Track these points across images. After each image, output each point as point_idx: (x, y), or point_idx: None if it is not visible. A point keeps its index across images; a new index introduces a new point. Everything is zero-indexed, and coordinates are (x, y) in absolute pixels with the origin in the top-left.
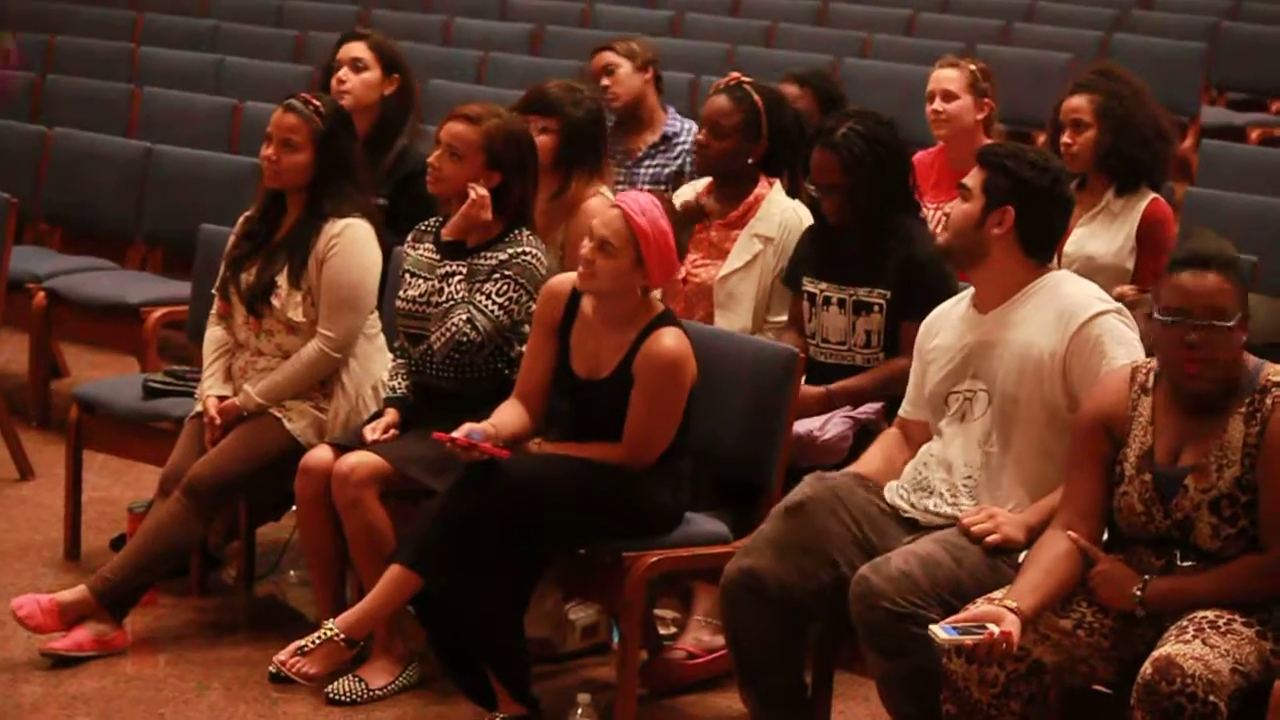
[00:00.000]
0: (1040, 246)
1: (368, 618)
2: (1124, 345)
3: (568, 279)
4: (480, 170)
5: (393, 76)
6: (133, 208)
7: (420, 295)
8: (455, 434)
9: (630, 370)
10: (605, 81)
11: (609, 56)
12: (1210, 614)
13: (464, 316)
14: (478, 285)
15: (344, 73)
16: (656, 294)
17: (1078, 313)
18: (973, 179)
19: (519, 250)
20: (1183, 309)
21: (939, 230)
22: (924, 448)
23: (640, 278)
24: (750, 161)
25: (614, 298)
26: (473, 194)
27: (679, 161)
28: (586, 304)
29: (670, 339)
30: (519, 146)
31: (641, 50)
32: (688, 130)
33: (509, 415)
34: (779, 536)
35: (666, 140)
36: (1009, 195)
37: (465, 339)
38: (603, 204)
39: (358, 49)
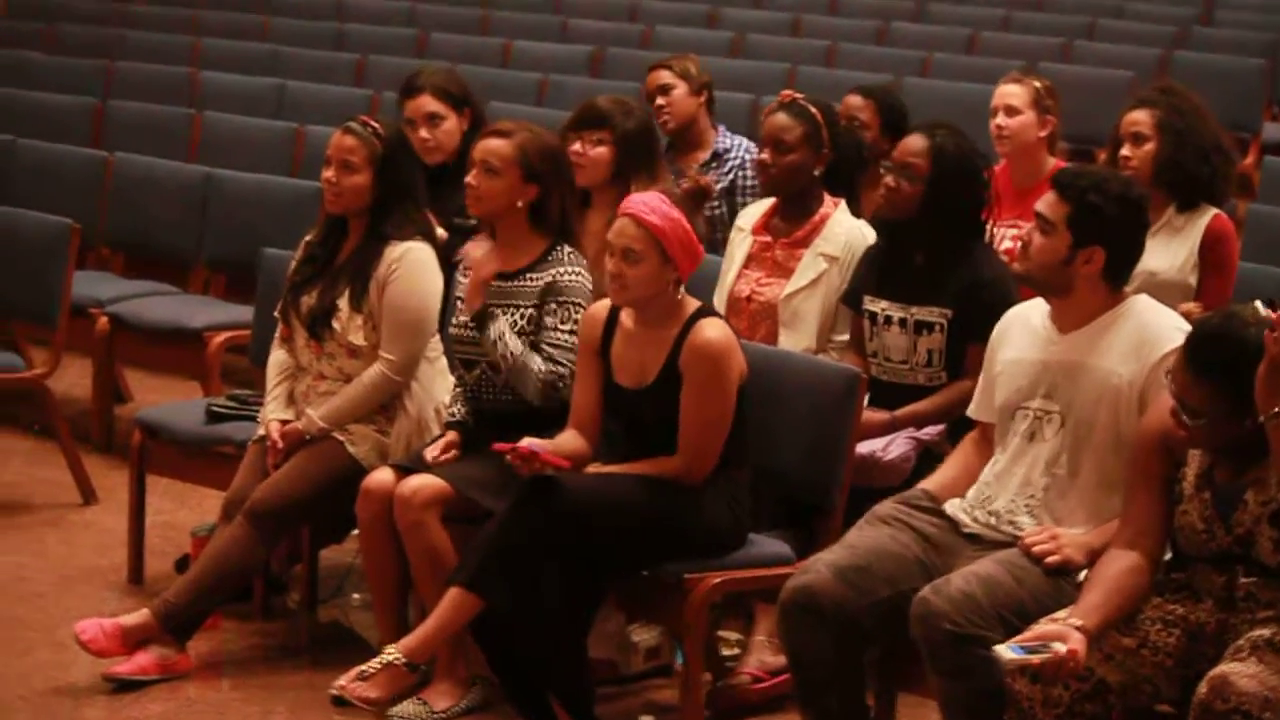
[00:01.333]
0: (1124, 277)
1: (428, 641)
2: None
3: (604, 303)
4: (518, 184)
5: (465, 112)
6: (194, 232)
7: (471, 321)
8: (517, 444)
9: (676, 369)
10: (660, 101)
11: (664, 76)
12: (1267, 632)
13: (541, 365)
14: (541, 325)
15: (424, 131)
16: (684, 293)
17: (1159, 344)
18: (1054, 211)
19: (560, 271)
20: None
21: (1010, 254)
22: (988, 466)
23: (671, 271)
24: (816, 174)
25: (651, 301)
26: (470, 258)
27: (730, 177)
28: (625, 316)
29: (713, 330)
30: (554, 158)
31: (697, 73)
32: (738, 146)
33: (567, 441)
34: (838, 557)
35: (718, 157)
36: (1098, 236)
37: (558, 379)
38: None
39: (428, 103)
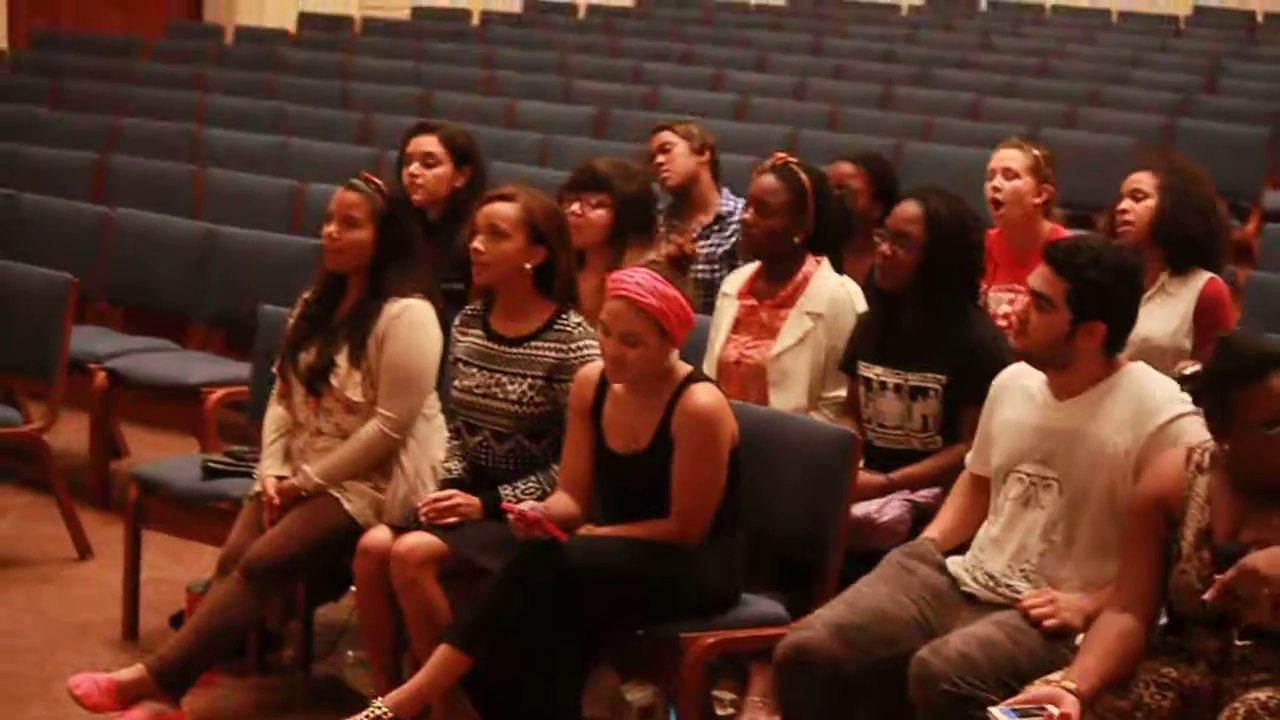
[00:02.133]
0: (1121, 345)
1: (416, 696)
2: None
3: (596, 366)
4: (525, 247)
5: (464, 169)
6: (194, 288)
7: (476, 386)
8: (522, 508)
9: (668, 435)
10: (660, 159)
11: (666, 136)
12: (1263, 695)
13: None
14: (559, 405)
15: (415, 167)
16: (676, 357)
17: (1158, 412)
18: (1051, 288)
19: (573, 348)
20: None
21: (1007, 317)
22: (982, 529)
23: (670, 346)
24: (796, 241)
25: (649, 376)
26: (443, 504)
27: (732, 240)
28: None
29: (705, 394)
30: (558, 220)
31: (700, 134)
32: (741, 209)
33: (558, 503)
34: (836, 615)
35: (720, 220)
36: (1099, 310)
37: None
38: (591, 305)
39: (429, 144)
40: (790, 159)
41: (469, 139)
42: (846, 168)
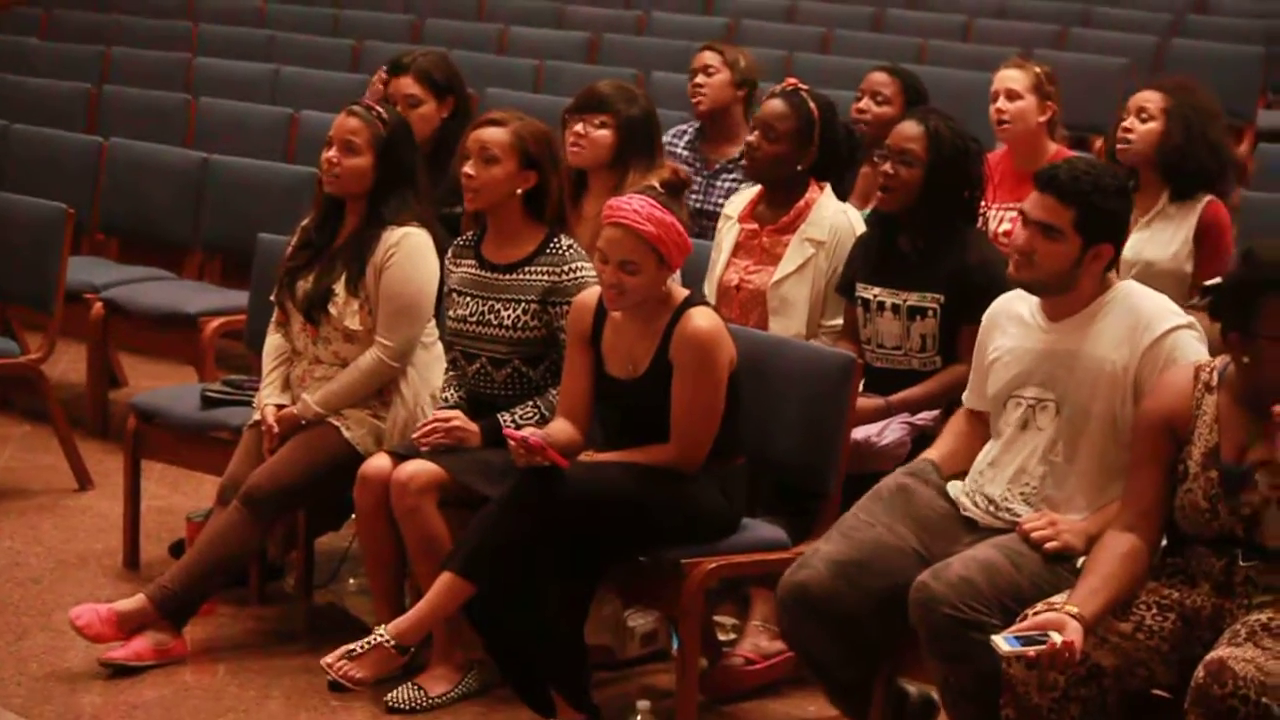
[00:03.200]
0: (1117, 261)
1: (419, 624)
2: (1197, 360)
3: (594, 291)
4: (516, 171)
5: (446, 100)
6: (190, 218)
7: (471, 315)
8: (524, 433)
9: (666, 359)
10: (699, 80)
11: (709, 58)
12: (1264, 617)
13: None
14: (556, 329)
15: (399, 110)
16: (677, 280)
17: (1152, 326)
18: (1057, 216)
19: (565, 269)
20: None
21: (1009, 235)
22: (981, 455)
23: (667, 272)
24: (800, 168)
25: (647, 302)
26: (442, 423)
27: None
28: None
29: (702, 319)
30: (549, 144)
31: (746, 67)
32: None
33: (558, 429)
34: (835, 550)
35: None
36: (1108, 234)
37: None
38: (595, 228)
39: (407, 85)
40: (801, 85)
41: (445, 68)
42: (881, 76)
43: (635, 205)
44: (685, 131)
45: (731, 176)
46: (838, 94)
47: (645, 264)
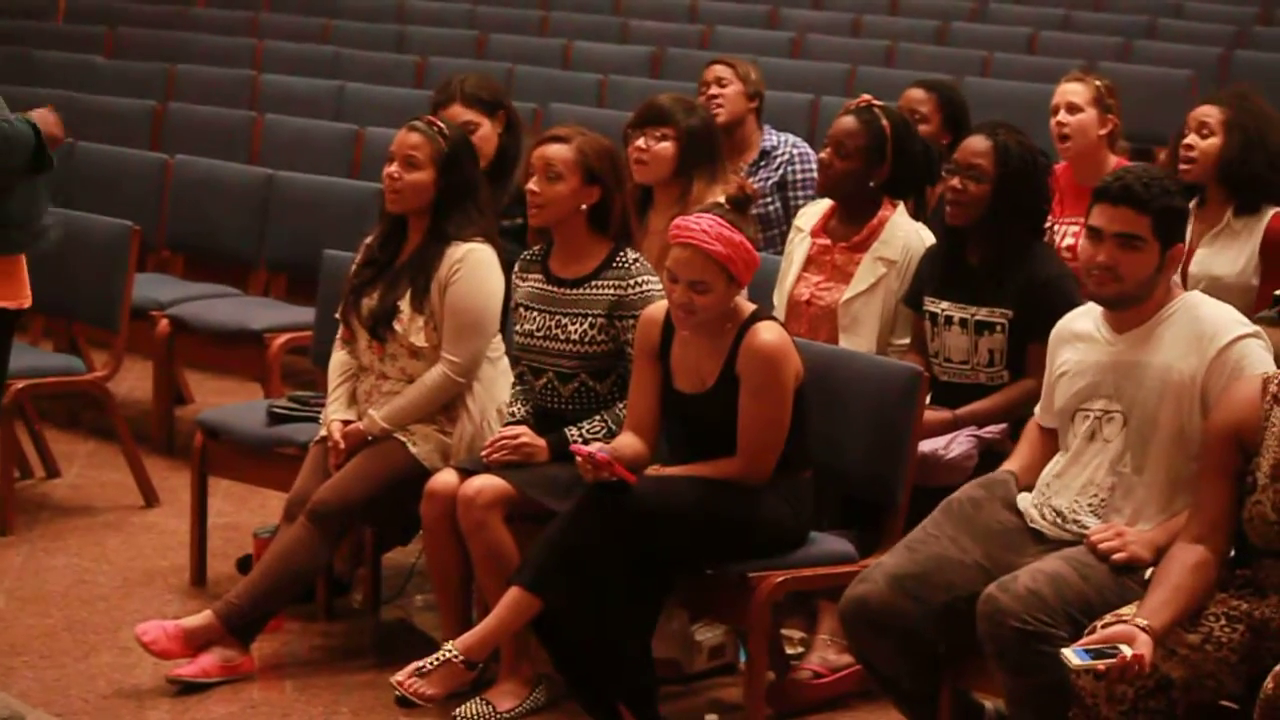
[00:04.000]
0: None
1: (487, 639)
2: (1264, 369)
3: (661, 306)
4: (580, 187)
5: (498, 115)
6: (255, 234)
7: (538, 330)
8: (591, 449)
9: (734, 373)
10: (714, 91)
11: (722, 71)
12: None
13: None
14: (624, 342)
15: None
16: (744, 297)
17: (1218, 336)
18: (1136, 226)
19: (631, 283)
20: None
21: (1072, 250)
22: (1048, 467)
23: (736, 289)
24: (871, 185)
25: (717, 319)
26: (510, 439)
27: (780, 173)
28: None
29: (768, 333)
30: (613, 159)
31: (757, 79)
32: (784, 142)
33: (626, 444)
34: (896, 565)
35: (766, 155)
36: (1178, 231)
37: None
38: (662, 243)
39: (459, 112)
40: (874, 101)
41: (487, 85)
42: (917, 94)
43: (704, 225)
44: None
45: (755, 178)
46: None
47: (715, 284)
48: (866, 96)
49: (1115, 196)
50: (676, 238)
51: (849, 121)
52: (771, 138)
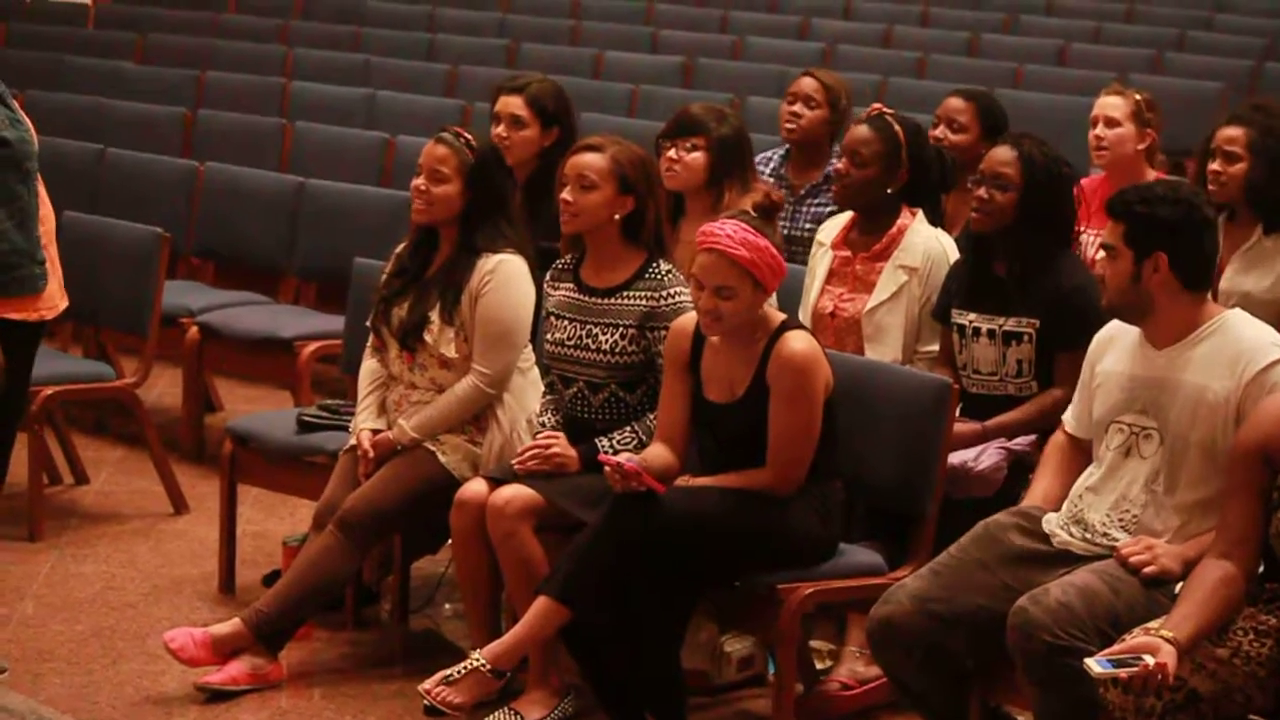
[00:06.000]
0: (1199, 277)
1: (515, 648)
2: None
3: (692, 317)
4: (614, 197)
5: (551, 130)
6: (285, 242)
7: (569, 339)
8: (620, 459)
9: (764, 383)
10: (798, 108)
11: (813, 88)
12: None
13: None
14: (654, 353)
15: (502, 129)
16: (773, 304)
17: (1255, 358)
18: (1112, 236)
19: (663, 295)
20: None
21: (1097, 266)
22: (1081, 479)
23: (763, 296)
24: (889, 192)
25: (744, 326)
26: (542, 449)
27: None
28: None
29: (799, 342)
30: (646, 169)
31: (846, 106)
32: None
33: (656, 455)
34: (920, 587)
35: (829, 180)
36: (1156, 240)
37: None
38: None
39: (516, 105)
40: (886, 110)
41: (559, 98)
42: (957, 103)
43: (728, 230)
44: (771, 158)
45: (817, 201)
46: (933, 120)
47: (741, 289)
48: (878, 105)
49: (1104, 207)
50: (702, 244)
51: (863, 131)
52: (836, 163)
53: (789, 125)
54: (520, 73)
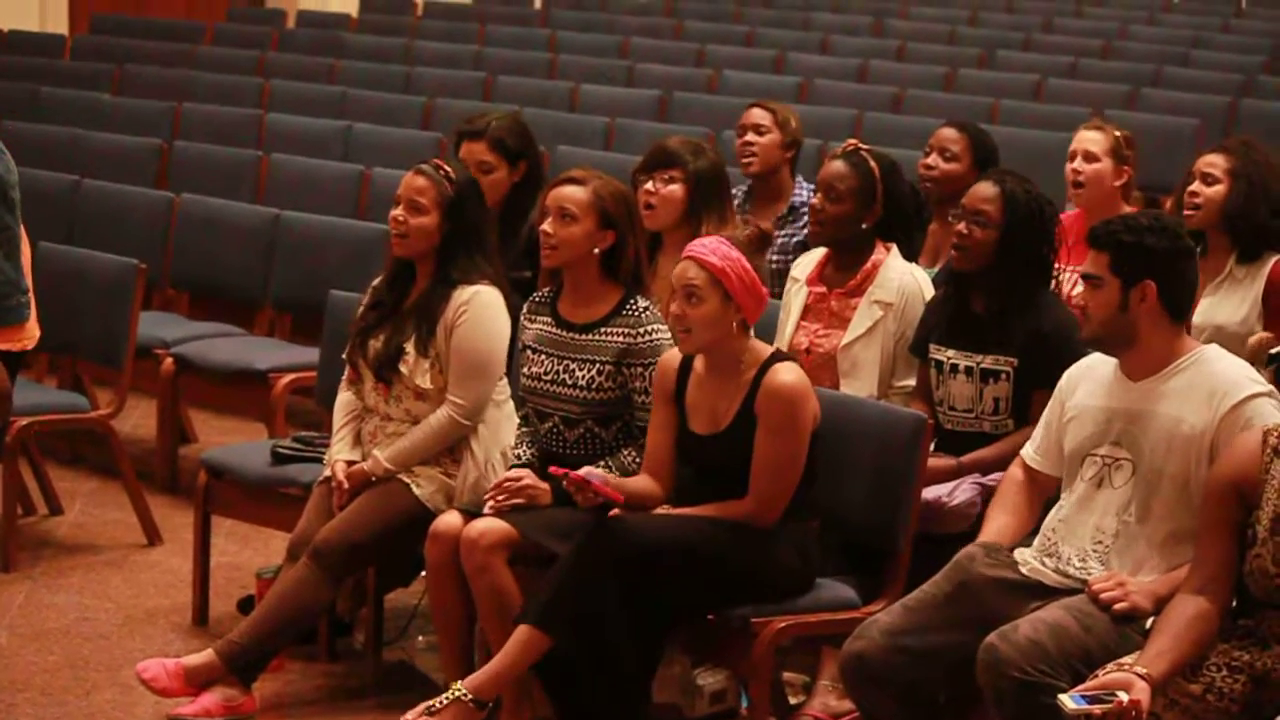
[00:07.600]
0: (1183, 307)
1: (496, 678)
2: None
3: (676, 352)
4: (595, 230)
5: (519, 165)
6: (260, 274)
7: (545, 373)
8: (570, 471)
9: (751, 414)
10: (750, 139)
11: (760, 117)
12: None
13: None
14: (632, 389)
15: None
16: (754, 338)
17: (1231, 393)
18: (1096, 266)
19: (640, 333)
20: None
21: (1077, 309)
22: (1053, 511)
23: (734, 312)
24: (864, 227)
25: (718, 344)
26: (513, 482)
27: (805, 231)
28: (699, 363)
29: (789, 373)
30: (627, 203)
31: (796, 127)
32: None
33: (640, 484)
34: (892, 621)
35: (794, 210)
36: (1145, 269)
37: None
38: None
39: (479, 151)
40: (860, 145)
41: (519, 133)
42: (950, 133)
43: (706, 241)
44: (734, 195)
45: (782, 233)
46: (909, 154)
47: (708, 295)
48: (853, 141)
49: (1086, 239)
50: (683, 254)
51: (838, 166)
52: (803, 192)
53: (746, 159)
54: (475, 114)
